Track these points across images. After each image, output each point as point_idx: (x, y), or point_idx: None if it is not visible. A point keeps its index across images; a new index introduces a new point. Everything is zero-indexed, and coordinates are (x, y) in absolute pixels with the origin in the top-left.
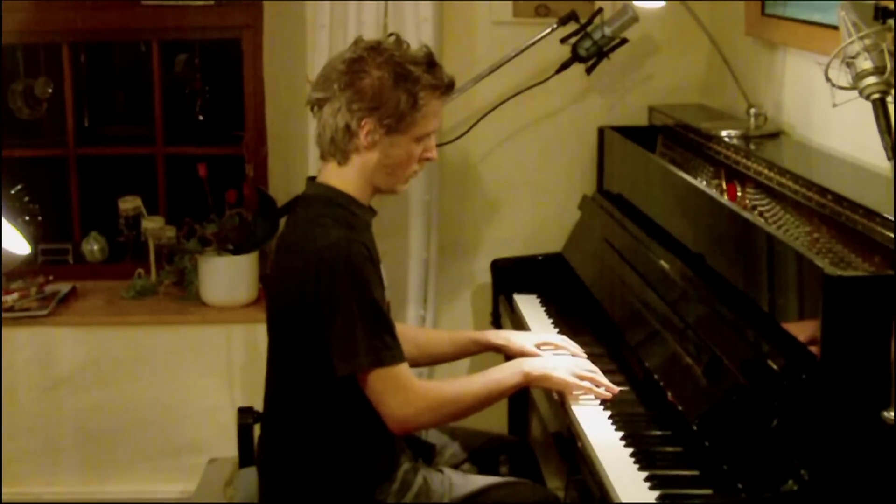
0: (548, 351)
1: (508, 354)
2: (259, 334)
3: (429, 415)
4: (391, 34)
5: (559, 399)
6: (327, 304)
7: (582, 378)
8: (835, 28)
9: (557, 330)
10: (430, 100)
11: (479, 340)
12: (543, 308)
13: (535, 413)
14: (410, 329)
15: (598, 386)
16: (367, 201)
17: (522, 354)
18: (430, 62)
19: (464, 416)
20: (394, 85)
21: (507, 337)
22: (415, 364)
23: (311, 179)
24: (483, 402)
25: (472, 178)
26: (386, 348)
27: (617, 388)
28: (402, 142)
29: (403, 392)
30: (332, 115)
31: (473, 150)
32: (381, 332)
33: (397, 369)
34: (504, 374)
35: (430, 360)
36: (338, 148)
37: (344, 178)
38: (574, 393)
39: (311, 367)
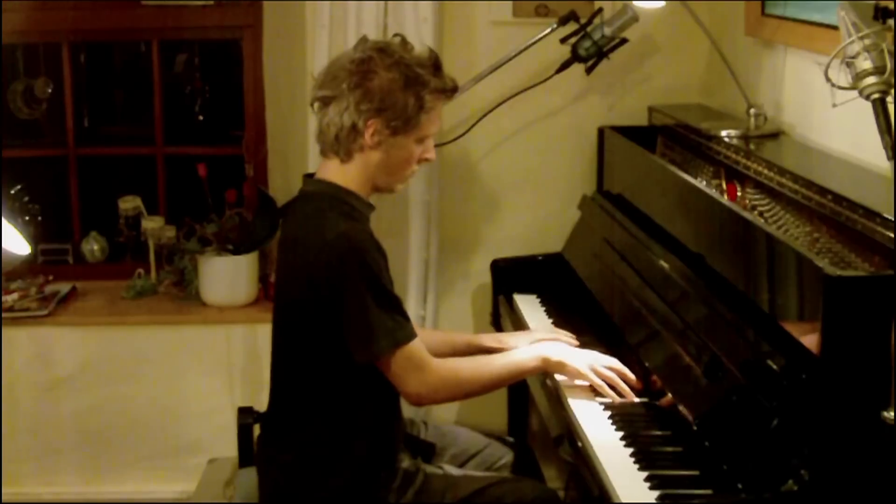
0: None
1: None
2: (259, 334)
3: (444, 392)
4: (396, 34)
5: (558, 398)
6: (339, 293)
7: (600, 375)
8: (835, 28)
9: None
10: (435, 103)
11: (472, 343)
12: (543, 308)
13: (535, 413)
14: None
15: (613, 387)
16: (366, 197)
17: None
18: (436, 65)
19: (479, 395)
20: (403, 87)
21: (500, 339)
22: None
23: (309, 176)
24: (499, 383)
25: (472, 177)
26: (400, 328)
27: (634, 396)
28: (405, 143)
29: (420, 370)
30: (338, 113)
31: (473, 150)
32: (393, 313)
33: (411, 347)
34: (523, 358)
35: None
36: (341, 146)
37: (345, 174)
38: (577, 382)
39: (318, 362)
